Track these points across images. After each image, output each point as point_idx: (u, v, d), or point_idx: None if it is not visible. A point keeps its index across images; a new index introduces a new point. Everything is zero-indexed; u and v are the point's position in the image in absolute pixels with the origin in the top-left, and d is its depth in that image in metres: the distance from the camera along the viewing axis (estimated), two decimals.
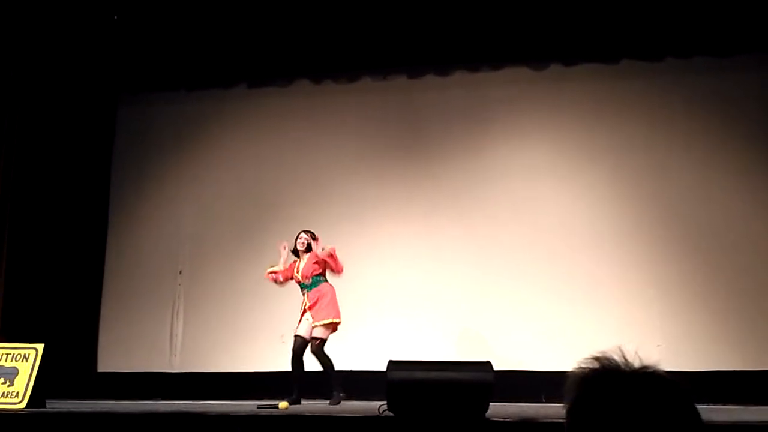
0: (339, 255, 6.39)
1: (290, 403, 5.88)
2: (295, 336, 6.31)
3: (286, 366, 6.36)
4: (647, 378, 1.10)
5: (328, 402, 6.16)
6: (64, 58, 8.25)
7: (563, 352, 7.33)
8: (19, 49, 7.99)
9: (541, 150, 7.86)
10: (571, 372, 1.14)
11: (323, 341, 6.27)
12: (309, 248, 6.50)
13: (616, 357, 1.12)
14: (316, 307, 6.30)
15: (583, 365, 1.13)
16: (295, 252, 6.58)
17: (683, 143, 7.61)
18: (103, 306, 8.38)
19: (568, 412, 1.13)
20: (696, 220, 7.45)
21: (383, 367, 4.52)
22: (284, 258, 6.58)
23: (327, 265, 6.39)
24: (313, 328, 6.27)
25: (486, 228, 7.78)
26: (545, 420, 4.18)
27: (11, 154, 8.01)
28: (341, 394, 6.22)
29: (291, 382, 6.26)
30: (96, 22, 7.83)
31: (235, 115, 8.60)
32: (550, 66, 8.01)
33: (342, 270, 6.39)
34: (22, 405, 5.37)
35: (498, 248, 7.70)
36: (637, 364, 1.11)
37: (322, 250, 6.36)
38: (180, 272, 8.33)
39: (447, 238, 7.81)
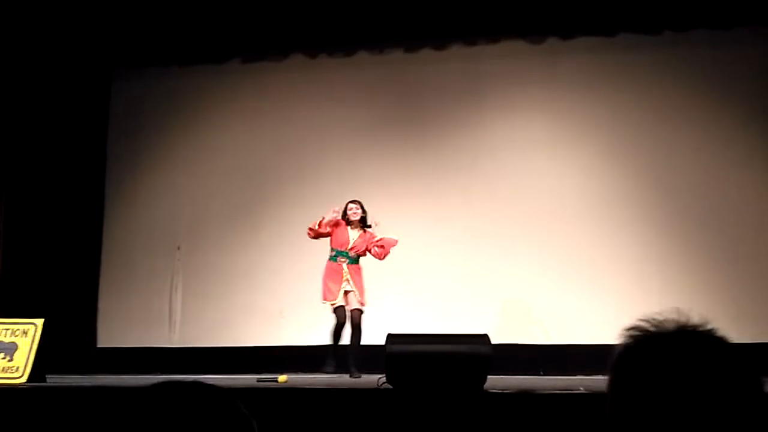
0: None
1: (328, 374, 5.95)
2: (339, 308, 6.29)
3: (285, 340, 6.40)
4: (697, 337, 1.00)
5: (348, 376, 6.12)
6: (57, 33, 8.17)
7: (561, 327, 7.40)
8: (13, 25, 7.91)
9: (538, 123, 7.85)
10: (618, 340, 1.05)
11: (363, 311, 6.33)
12: (362, 220, 6.49)
13: (662, 319, 1.02)
14: (360, 285, 6.36)
15: (628, 332, 1.04)
16: (346, 221, 6.51)
17: (681, 116, 7.60)
18: (102, 282, 8.39)
19: (612, 382, 1.03)
20: (694, 195, 7.46)
21: (382, 341, 4.55)
22: (330, 218, 6.44)
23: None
24: (356, 300, 6.30)
25: (482, 202, 7.79)
26: (543, 392, 4.22)
27: (6, 130, 7.97)
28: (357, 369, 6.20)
29: (329, 355, 6.29)
30: None
31: (229, 90, 8.56)
32: (547, 39, 7.97)
33: (384, 258, 6.48)
34: (23, 380, 5.41)
35: (495, 222, 7.72)
36: (682, 322, 1.02)
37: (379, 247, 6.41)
38: (178, 248, 8.34)
39: (443, 212, 7.81)
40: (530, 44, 8.01)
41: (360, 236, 6.46)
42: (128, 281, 8.31)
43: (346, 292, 6.33)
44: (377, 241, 6.44)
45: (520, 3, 7.67)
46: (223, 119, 8.53)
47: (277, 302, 7.61)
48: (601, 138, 7.71)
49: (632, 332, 1.03)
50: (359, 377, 6.00)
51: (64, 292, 8.07)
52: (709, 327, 1.02)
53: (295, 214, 7.52)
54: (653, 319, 1.03)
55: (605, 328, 7.13)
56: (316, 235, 6.45)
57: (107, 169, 8.63)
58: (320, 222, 6.39)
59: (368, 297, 6.44)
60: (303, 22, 8.01)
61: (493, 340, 4.58)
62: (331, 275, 6.39)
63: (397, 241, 6.47)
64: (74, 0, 7.81)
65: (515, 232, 7.65)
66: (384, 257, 6.47)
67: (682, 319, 1.03)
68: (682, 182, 7.51)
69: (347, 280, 6.35)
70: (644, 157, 7.61)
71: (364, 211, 6.53)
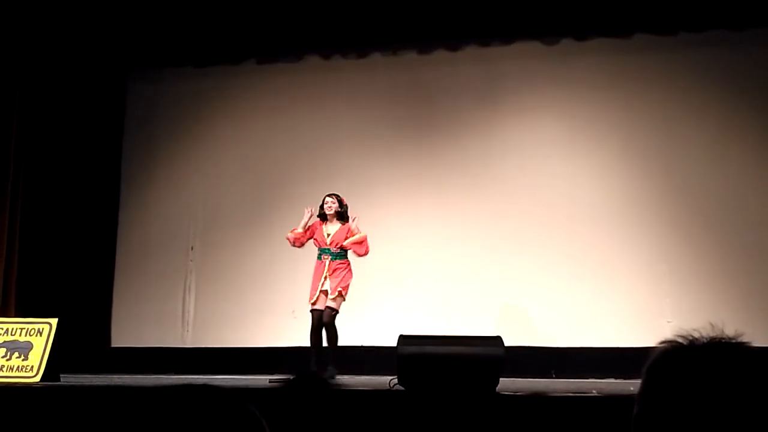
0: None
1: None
2: (314, 310, 6.24)
3: (297, 341, 6.39)
4: (725, 349, 1.02)
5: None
6: (74, 36, 8.23)
7: (573, 329, 7.36)
8: (30, 27, 7.97)
9: (553, 125, 7.82)
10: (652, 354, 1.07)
11: (336, 312, 6.24)
12: (339, 215, 6.44)
13: (695, 333, 1.04)
14: (336, 280, 6.25)
15: (664, 342, 1.06)
16: (322, 216, 6.50)
17: (696, 118, 7.55)
18: (116, 282, 8.44)
19: (641, 394, 1.05)
20: (709, 196, 7.41)
21: (394, 343, 4.55)
22: (305, 221, 6.48)
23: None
24: (328, 298, 6.22)
25: (496, 204, 7.77)
26: (555, 394, 4.21)
27: (23, 133, 8.03)
28: (335, 369, 6.12)
29: (310, 357, 6.21)
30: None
31: (244, 91, 8.59)
32: (562, 41, 7.94)
33: (364, 254, 6.37)
34: (37, 379, 5.45)
35: (508, 224, 7.69)
36: (713, 334, 1.04)
37: (354, 237, 6.33)
38: (191, 248, 8.37)
39: (457, 214, 7.80)
40: (544, 45, 7.98)
41: (339, 230, 6.40)
42: (142, 281, 8.35)
43: (325, 293, 6.24)
44: (351, 239, 6.34)
45: (534, 4, 7.64)
46: (237, 120, 8.55)
47: (289, 303, 7.62)
48: (616, 139, 7.67)
49: (668, 343, 1.07)
50: (333, 378, 5.90)
51: (78, 291, 8.12)
52: (741, 339, 1.05)
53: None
54: (688, 333, 1.06)
55: (618, 331, 7.12)
56: (296, 239, 6.42)
57: (122, 170, 8.68)
58: (296, 240, 6.41)
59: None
60: (317, 23, 8.03)
61: (506, 342, 4.57)
62: (314, 274, 6.36)
63: (364, 238, 6.36)
64: (90, 2, 7.86)
65: (528, 234, 7.62)
66: (363, 253, 6.38)
67: (716, 332, 1.06)
68: (696, 183, 7.46)
69: (326, 277, 6.26)
70: (658, 158, 7.57)
71: (341, 205, 6.47)
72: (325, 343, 6.22)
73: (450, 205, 7.83)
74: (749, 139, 7.41)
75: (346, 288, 6.27)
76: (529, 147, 7.82)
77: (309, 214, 6.49)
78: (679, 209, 7.44)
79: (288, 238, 6.47)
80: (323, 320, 6.19)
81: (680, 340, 1.06)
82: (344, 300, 6.28)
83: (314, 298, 6.26)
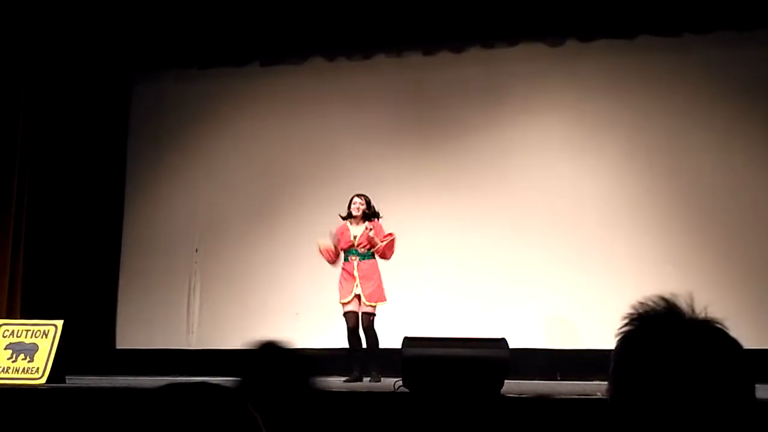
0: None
1: (352, 381, 5.89)
2: (348, 313, 6.19)
3: (300, 342, 6.36)
4: (712, 330, 1.06)
5: (368, 380, 6.04)
6: (79, 38, 8.25)
7: (579, 331, 7.35)
8: (35, 29, 8.00)
9: (557, 126, 7.81)
10: (634, 304, 1.10)
11: (375, 316, 6.21)
12: (365, 215, 6.37)
13: (684, 303, 1.08)
14: (370, 284, 6.20)
15: (647, 302, 1.09)
16: (348, 216, 6.43)
17: (700, 119, 7.53)
18: (121, 284, 8.46)
19: (621, 341, 1.09)
20: (715, 196, 7.39)
21: (398, 344, 4.55)
22: (335, 243, 6.38)
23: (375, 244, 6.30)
24: (364, 303, 6.19)
25: (501, 205, 7.76)
26: (560, 397, 4.20)
27: (29, 135, 8.05)
28: (379, 373, 6.10)
29: (351, 361, 6.22)
30: (109, 1, 7.83)
31: (248, 93, 8.59)
32: (566, 42, 7.93)
33: (389, 257, 6.33)
34: (43, 380, 5.46)
35: (513, 225, 7.68)
36: (703, 315, 1.08)
37: (380, 240, 6.26)
38: (196, 250, 8.38)
39: (462, 215, 7.79)
40: (549, 47, 7.97)
41: (364, 230, 6.32)
42: (147, 283, 8.37)
43: (357, 296, 6.22)
44: (379, 242, 6.27)
45: (538, 5, 7.64)
46: (241, 122, 8.56)
47: (293, 304, 7.62)
48: (621, 140, 7.66)
49: (651, 304, 1.09)
50: (379, 381, 5.96)
51: (83, 293, 8.14)
52: (717, 321, 1.10)
53: (312, 216, 7.54)
54: (645, 305, 1.09)
55: None
56: (332, 257, 6.35)
57: (127, 172, 8.70)
58: (330, 256, 6.32)
59: (386, 297, 6.37)
60: (321, 25, 8.03)
61: (511, 344, 4.56)
62: (345, 275, 6.33)
63: (392, 237, 6.30)
64: (95, 5, 7.88)
65: (534, 235, 7.61)
66: (389, 256, 6.33)
67: (670, 302, 1.09)
68: (702, 184, 7.44)
69: (357, 281, 6.23)
70: (664, 159, 7.55)
71: (369, 207, 6.40)
72: (364, 345, 6.22)
73: (454, 206, 7.83)
74: (756, 140, 7.39)
75: (383, 293, 6.25)
76: (533, 148, 7.81)
77: (338, 239, 6.39)
78: (686, 210, 7.42)
79: (323, 254, 6.36)
80: (364, 326, 6.16)
81: (665, 306, 1.09)
82: (384, 301, 6.27)
83: (347, 299, 6.22)
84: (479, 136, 7.94)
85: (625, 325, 1.09)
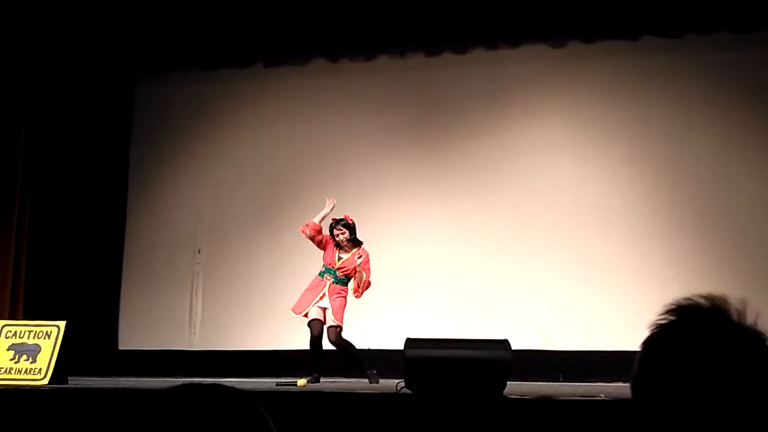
0: (361, 239, 6.34)
1: (309, 382, 5.89)
2: (313, 321, 6.13)
3: (304, 344, 6.38)
4: (755, 339, 1.01)
5: (368, 382, 6.00)
6: (82, 38, 8.27)
7: (581, 333, 7.34)
8: (39, 31, 8.01)
9: (560, 128, 7.80)
10: (677, 300, 1.07)
11: (341, 328, 6.15)
12: (353, 240, 6.24)
13: (734, 307, 1.04)
14: (336, 304, 6.13)
15: (691, 299, 1.05)
16: (331, 234, 6.30)
17: (703, 121, 7.53)
18: (124, 285, 8.47)
19: (656, 331, 1.06)
20: (717, 199, 7.38)
21: (401, 346, 4.54)
22: (326, 212, 6.26)
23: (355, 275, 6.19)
24: (328, 318, 6.14)
25: (503, 206, 7.76)
26: (563, 398, 4.19)
27: (32, 136, 8.07)
28: (374, 372, 6.08)
29: (312, 364, 6.19)
30: (112, 1, 7.84)
31: (251, 94, 8.60)
32: (569, 43, 7.93)
33: (359, 296, 6.23)
34: (45, 381, 5.46)
35: (516, 227, 7.68)
36: (751, 323, 1.03)
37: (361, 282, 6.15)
38: (198, 251, 8.39)
39: (465, 217, 7.79)
40: (552, 48, 7.97)
41: (349, 257, 6.20)
42: (149, 284, 8.38)
43: (323, 309, 6.13)
44: (363, 277, 6.14)
45: (541, 7, 7.64)
46: (244, 123, 8.57)
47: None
48: (624, 142, 7.66)
49: (674, 309, 1.07)
50: (377, 382, 5.96)
51: (86, 294, 8.15)
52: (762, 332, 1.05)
53: (314, 216, 7.52)
54: (694, 301, 1.06)
55: (626, 334, 7.06)
56: (309, 227, 6.18)
57: (129, 173, 8.70)
58: (312, 231, 6.19)
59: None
60: (324, 26, 8.04)
61: (513, 346, 4.56)
62: (311, 288, 6.23)
63: (369, 284, 6.19)
64: (98, 6, 7.89)
65: (536, 237, 7.61)
66: (359, 295, 6.21)
67: (717, 302, 1.05)
68: (704, 187, 7.43)
69: (324, 294, 6.14)
70: (667, 161, 7.55)
71: (351, 230, 6.24)
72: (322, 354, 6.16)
73: (457, 208, 7.82)
74: (759, 142, 7.38)
75: (342, 317, 6.16)
76: (536, 149, 7.81)
77: (331, 206, 6.27)
78: (688, 213, 7.41)
79: (302, 230, 6.27)
80: (332, 340, 6.10)
81: (686, 305, 1.06)
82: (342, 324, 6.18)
83: (307, 310, 6.14)
84: (482, 137, 7.94)
85: (663, 316, 1.06)
